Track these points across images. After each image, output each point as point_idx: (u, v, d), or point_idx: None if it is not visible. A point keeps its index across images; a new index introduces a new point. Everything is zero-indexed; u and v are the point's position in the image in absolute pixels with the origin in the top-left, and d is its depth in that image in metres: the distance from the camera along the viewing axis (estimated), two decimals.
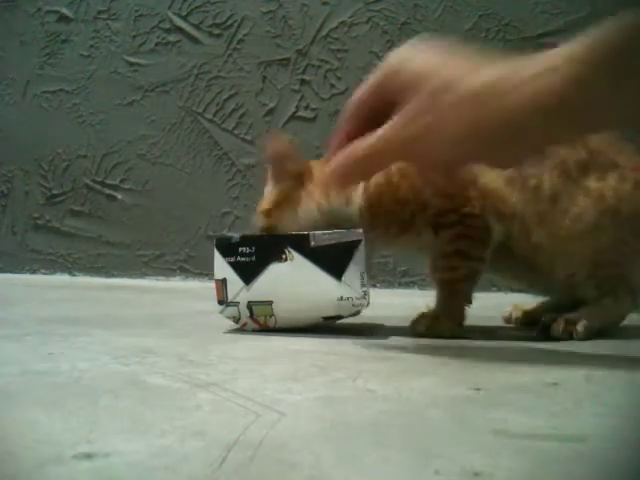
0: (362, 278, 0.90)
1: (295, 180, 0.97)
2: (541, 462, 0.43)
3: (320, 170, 0.96)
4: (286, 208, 0.97)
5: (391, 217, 0.95)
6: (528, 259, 0.96)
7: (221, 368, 0.71)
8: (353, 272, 0.90)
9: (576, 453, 0.45)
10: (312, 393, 0.60)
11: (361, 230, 0.91)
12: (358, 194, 0.97)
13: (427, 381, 0.66)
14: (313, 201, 0.96)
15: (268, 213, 0.98)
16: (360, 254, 0.90)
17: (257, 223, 1.00)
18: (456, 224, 0.93)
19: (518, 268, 1.00)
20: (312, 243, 0.91)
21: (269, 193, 1.00)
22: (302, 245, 0.91)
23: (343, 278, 0.90)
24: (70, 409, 0.53)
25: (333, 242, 0.91)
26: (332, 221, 0.95)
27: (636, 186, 0.94)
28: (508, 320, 1.09)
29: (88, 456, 0.42)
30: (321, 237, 0.91)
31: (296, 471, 0.41)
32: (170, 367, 0.70)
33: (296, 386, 0.63)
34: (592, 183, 0.93)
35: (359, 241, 0.91)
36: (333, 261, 0.91)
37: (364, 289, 0.90)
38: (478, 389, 0.63)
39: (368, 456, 0.44)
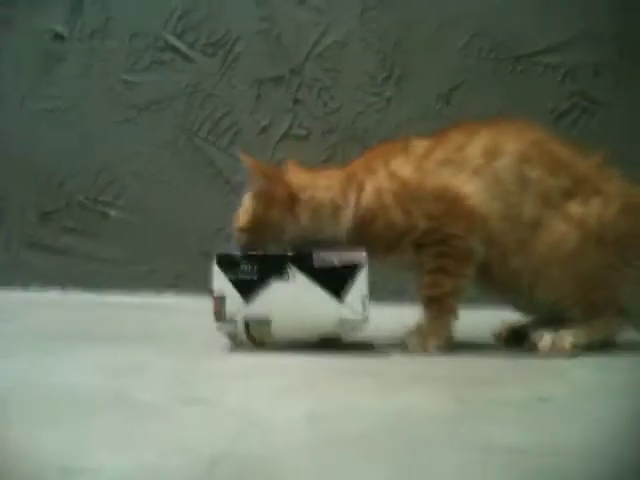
0: (363, 300, 0.91)
1: (276, 200, 0.97)
2: (522, 477, 0.43)
3: (307, 190, 0.98)
4: (267, 229, 0.98)
5: (379, 240, 0.96)
6: (509, 283, 0.97)
7: (210, 384, 0.71)
8: (355, 294, 0.91)
9: (561, 468, 0.45)
10: (300, 408, 0.60)
11: (364, 253, 0.92)
12: (347, 217, 0.98)
13: (415, 396, 0.66)
14: (298, 224, 0.97)
15: (246, 231, 0.98)
16: (363, 276, 0.91)
17: (235, 238, 1.00)
18: (439, 243, 0.95)
19: (501, 291, 1.00)
20: (315, 263, 0.91)
21: (247, 207, 1.00)
22: (305, 265, 0.91)
23: (345, 300, 0.91)
24: (58, 424, 0.53)
25: (336, 263, 0.91)
26: (315, 241, 0.96)
27: (621, 211, 0.96)
28: (498, 337, 1.09)
29: (73, 472, 0.42)
30: (324, 258, 0.91)
31: None
32: (159, 383, 0.70)
33: (284, 401, 0.63)
34: (574, 208, 0.95)
35: (362, 263, 0.91)
36: (335, 282, 0.91)
37: (365, 312, 0.91)
38: (465, 404, 0.63)
39: (353, 471, 0.44)
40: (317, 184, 1.00)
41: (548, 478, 0.43)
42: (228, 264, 0.93)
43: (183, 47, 1.93)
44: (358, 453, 0.48)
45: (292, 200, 0.98)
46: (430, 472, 0.44)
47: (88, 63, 1.99)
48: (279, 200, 0.97)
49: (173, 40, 1.94)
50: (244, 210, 1.00)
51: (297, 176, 1.01)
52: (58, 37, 2.02)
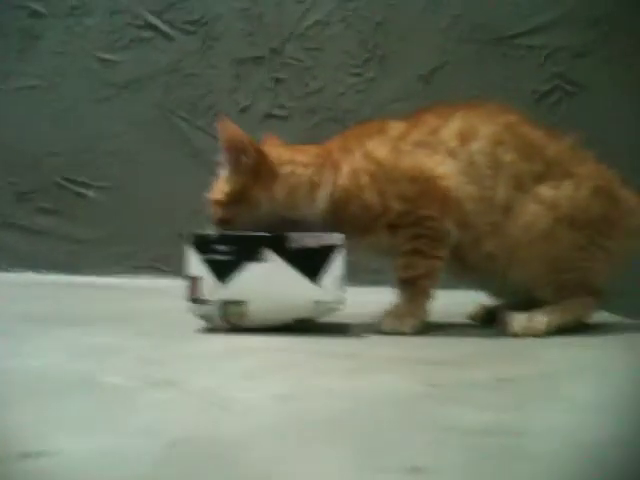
0: (339, 282, 0.91)
1: (254, 176, 0.96)
2: (483, 457, 0.43)
3: (286, 165, 0.97)
4: (243, 203, 0.96)
5: (354, 221, 0.96)
6: (482, 267, 0.98)
7: (180, 366, 0.71)
8: (331, 276, 0.90)
9: (518, 448, 0.45)
10: (269, 390, 0.60)
11: (342, 234, 0.91)
12: (323, 196, 0.97)
13: (385, 378, 0.66)
14: (274, 200, 0.96)
15: (223, 204, 0.97)
16: (339, 258, 0.91)
17: (210, 212, 0.98)
18: (414, 225, 0.95)
19: (475, 275, 1.00)
20: (291, 245, 0.91)
21: (223, 181, 0.98)
22: (280, 246, 0.91)
23: (320, 281, 0.90)
24: (21, 407, 0.53)
25: (312, 245, 0.91)
26: (290, 221, 0.95)
27: (593, 193, 0.96)
28: (473, 318, 1.10)
29: (34, 455, 0.42)
30: (300, 239, 0.91)
31: (239, 468, 0.41)
32: (128, 366, 0.70)
33: (254, 384, 0.63)
34: (546, 191, 0.95)
35: (338, 245, 0.91)
36: (311, 264, 0.90)
37: (341, 294, 0.91)
38: (434, 385, 0.63)
39: (315, 453, 0.44)
40: (295, 160, 0.99)
41: (511, 458, 0.44)
42: (203, 244, 0.93)
43: (163, 25, 1.91)
44: (322, 436, 0.48)
45: (271, 175, 0.96)
46: (389, 454, 0.44)
47: (66, 41, 1.97)
48: (258, 174, 0.96)
49: (152, 18, 1.91)
50: (221, 183, 0.98)
51: (276, 150, 1.00)
52: (35, 14, 1.98)
